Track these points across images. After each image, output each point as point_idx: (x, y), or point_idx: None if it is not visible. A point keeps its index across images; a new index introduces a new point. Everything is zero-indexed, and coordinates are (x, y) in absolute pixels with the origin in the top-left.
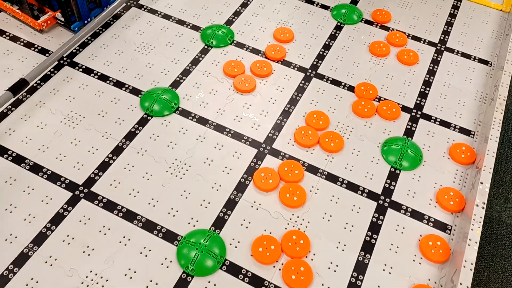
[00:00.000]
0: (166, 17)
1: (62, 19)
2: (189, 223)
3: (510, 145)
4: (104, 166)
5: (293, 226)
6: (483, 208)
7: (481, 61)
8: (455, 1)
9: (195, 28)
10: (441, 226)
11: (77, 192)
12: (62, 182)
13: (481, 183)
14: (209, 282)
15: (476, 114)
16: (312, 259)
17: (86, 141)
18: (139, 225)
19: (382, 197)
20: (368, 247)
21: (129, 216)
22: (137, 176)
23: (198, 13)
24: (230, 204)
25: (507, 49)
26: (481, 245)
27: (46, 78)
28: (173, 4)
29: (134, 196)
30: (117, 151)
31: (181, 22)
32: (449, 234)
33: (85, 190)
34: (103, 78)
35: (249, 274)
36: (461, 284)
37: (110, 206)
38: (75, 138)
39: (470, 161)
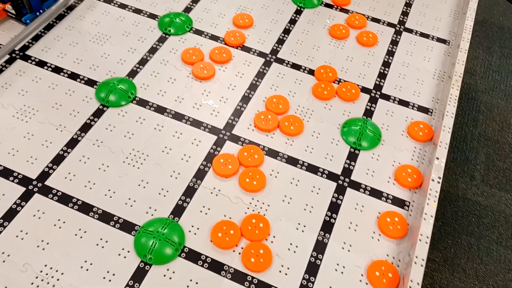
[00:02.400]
0: (122, 6)
1: (13, 11)
2: (147, 213)
3: (474, 124)
4: (58, 159)
5: (253, 210)
6: (438, 182)
7: (440, 40)
8: None
9: (152, 16)
10: (399, 202)
11: (30, 187)
12: (15, 177)
13: (437, 158)
14: (167, 269)
15: (434, 92)
16: (272, 242)
17: (39, 135)
18: (95, 217)
19: (342, 177)
20: (327, 226)
21: (85, 208)
22: (93, 168)
23: (155, 1)
24: (189, 192)
25: (463, 27)
26: (448, 223)
27: None
28: None
29: (90, 188)
30: (72, 143)
31: (137, 11)
32: (407, 210)
33: (39, 184)
34: (57, 70)
35: (208, 260)
36: (417, 257)
37: (65, 199)
38: (28, 132)
39: (428, 138)
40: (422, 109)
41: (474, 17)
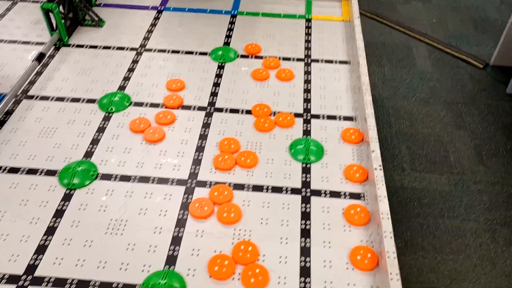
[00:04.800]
0: (60, 99)
1: None
2: (143, 271)
3: (389, 125)
4: (41, 249)
5: (239, 239)
6: (380, 169)
7: (342, 62)
8: (307, 23)
9: (91, 101)
10: (356, 196)
11: (20, 283)
12: (2, 279)
13: (373, 151)
14: None
15: (352, 103)
16: (263, 260)
17: (14, 232)
18: None
19: (303, 189)
20: (305, 233)
21: (82, 285)
22: (78, 247)
23: (89, 87)
24: (176, 241)
25: (356, 47)
26: (397, 212)
27: None
28: (63, 87)
29: (82, 266)
30: (50, 231)
31: (75, 100)
32: (364, 200)
33: (29, 278)
34: (14, 170)
35: None
36: (385, 231)
37: (59, 283)
38: (2, 234)
39: (360, 139)
40: (347, 118)
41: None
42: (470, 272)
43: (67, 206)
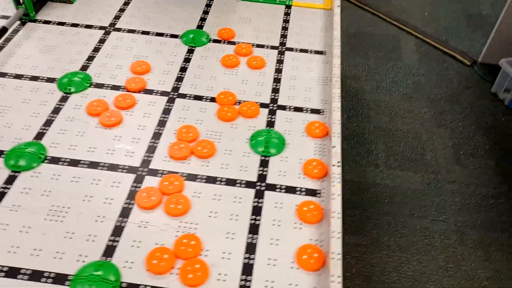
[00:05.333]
0: (18, 77)
1: None
2: (78, 261)
3: (368, 120)
4: None
5: (183, 232)
6: (339, 166)
7: (317, 52)
8: (286, 9)
9: (50, 80)
10: (312, 192)
11: None
12: None
13: (333, 146)
14: None
15: (322, 95)
16: (206, 255)
17: None
18: (24, 278)
19: (258, 183)
20: (254, 229)
21: (12, 273)
22: (14, 233)
23: (51, 66)
24: (118, 231)
25: (330, 37)
26: (366, 209)
27: None
28: (23, 64)
29: (14, 252)
30: None
31: (34, 78)
32: (320, 197)
33: None
34: None
35: None
36: (333, 232)
37: None
38: None
39: (324, 133)
40: (315, 111)
41: (344, 30)
42: (433, 273)
43: (8, 189)
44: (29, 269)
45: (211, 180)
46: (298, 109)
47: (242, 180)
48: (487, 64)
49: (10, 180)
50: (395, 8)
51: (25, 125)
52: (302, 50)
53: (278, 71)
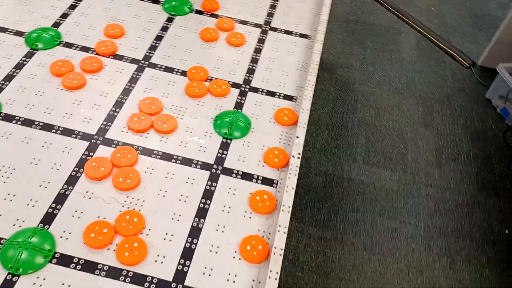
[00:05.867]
0: None
1: None
2: (14, 225)
3: (353, 112)
4: None
5: (128, 208)
6: (298, 158)
7: (302, 35)
8: None
9: (18, 33)
10: (269, 182)
11: None
12: None
13: (297, 137)
14: (37, 277)
15: (298, 81)
16: (147, 234)
17: None
18: None
19: (215, 166)
20: (202, 213)
21: None
22: None
23: (22, 19)
24: (60, 199)
25: (318, 21)
26: (335, 203)
27: None
28: None
29: None
30: None
31: (2, 30)
32: (276, 187)
33: None
34: None
35: (81, 262)
36: (280, 226)
37: None
38: None
39: (293, 122)
40: (288, 97)
41: (344, 16)
42: (394, 276)
43: None
44: None
45: (166, 157)
46: (270, 93)
47: (198, 161)
48: (486, 67)
49: None
50: None
51: None
52: (286, 32)
53: (258, 51)
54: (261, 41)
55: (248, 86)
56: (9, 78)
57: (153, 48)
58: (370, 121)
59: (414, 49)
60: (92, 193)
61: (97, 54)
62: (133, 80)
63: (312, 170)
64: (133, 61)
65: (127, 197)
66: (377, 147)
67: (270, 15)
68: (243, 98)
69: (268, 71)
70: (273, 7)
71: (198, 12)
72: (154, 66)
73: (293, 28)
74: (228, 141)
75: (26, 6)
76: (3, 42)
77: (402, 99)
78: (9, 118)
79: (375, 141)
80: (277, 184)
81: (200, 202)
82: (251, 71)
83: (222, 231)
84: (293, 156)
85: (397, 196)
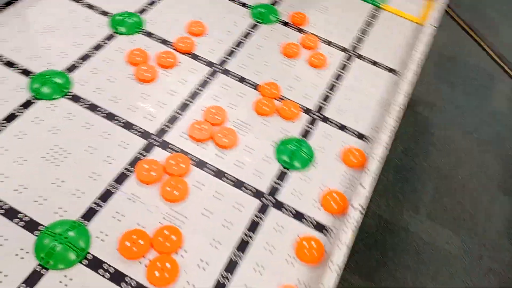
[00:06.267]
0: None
1: None
2: (56, 213)
3: (424, 156)
4: None
5: (169, 221)
6: (360, 212)
7: (390, 69)
8: (374, 10)
9: (104, 13)
10: (320, 227)
11: None
12: None
13: (362, 186)
14: (65, 276)
15: (375, 120)
16: (182, 256)
17: None
18: (0, 212)
19: (267, 196)
20: (243, 246)
21: None
22: (8, 161)
23: (111, 1)
24: (106, 196)
25: (410, 58)
26: (386, 254)
27: None
28: None
29: (2, 181)
30: None
31: (91, 7)
32: (327, 236)
33: None
34: None
35: (111, 270)
36: (322, 284)
37: None
38: None
39: (360, 165)
40: (360, 136)
41: (439, 50)
42: None
43: (22, 113)
44: (7, 204)
45: (219, 174)
46: (342, 127)
47: (251, 186)
48: None
49: (26, 105)
50: (502, 41)
51: (62, 53)
52: (373, 62)
53: (338, 77)
54: (344, 67)
55: (320, 115)
56: (86, 57)
57: (231, 53)
58: (443, 170)
59: (507, 100)
60: (138, 197)
61: (174, 49)
62: (204, 84)
63: (368, 211)
64: (208, 63)
65: (171, 209)
66: (444, 200)
67: (359, 40)
68: (312, 126)
69: (345, 102)
70: (364, 32)
71: (285, 23)
72: (227, 73)
73: (381, 60)
74: (287, 171)
75: None
76: (89, 20)
77: (484, 154)
78: (77, 99)
79: (444, 194)
80: (328, 232)
81: (243, 234)
82: (326, 98)
83: (260, 273)
84: (353, 206)
85: (456, 263)
